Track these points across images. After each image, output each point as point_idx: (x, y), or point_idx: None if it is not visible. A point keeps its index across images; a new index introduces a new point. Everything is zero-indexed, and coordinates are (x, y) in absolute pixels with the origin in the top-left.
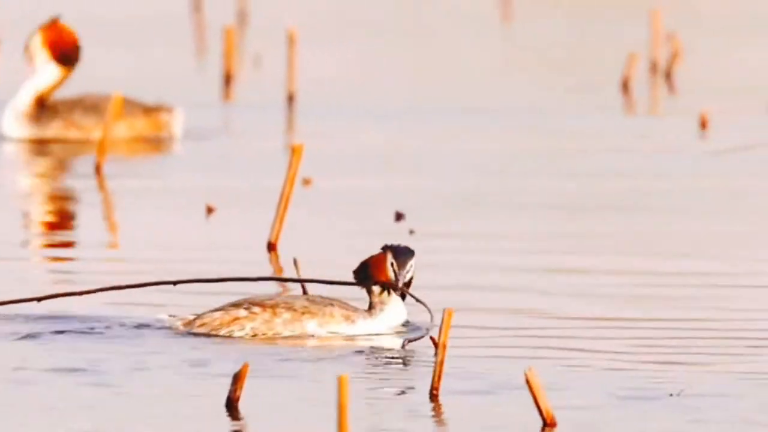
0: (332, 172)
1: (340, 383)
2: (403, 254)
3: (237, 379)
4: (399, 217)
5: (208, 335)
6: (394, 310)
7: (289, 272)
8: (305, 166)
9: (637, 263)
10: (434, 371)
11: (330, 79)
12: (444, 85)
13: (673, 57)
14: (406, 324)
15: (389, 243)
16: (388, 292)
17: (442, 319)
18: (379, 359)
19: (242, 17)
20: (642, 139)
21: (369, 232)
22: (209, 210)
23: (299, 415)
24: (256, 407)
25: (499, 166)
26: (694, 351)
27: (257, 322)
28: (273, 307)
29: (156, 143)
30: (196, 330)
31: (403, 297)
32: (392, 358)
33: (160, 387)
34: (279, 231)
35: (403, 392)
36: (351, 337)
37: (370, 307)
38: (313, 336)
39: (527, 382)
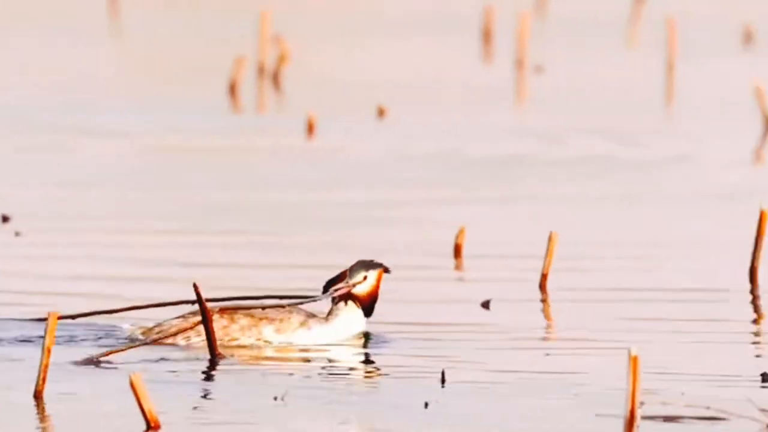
0: None
1: None
2: (357, 265)
3: None
4: (5, 219)
5: (163, 342)
6: (349, 319)
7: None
8: None
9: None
10: (38, 374)
11: None
12: (50, 84)
13: (281, 59)
14: (365, 334)
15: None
16: (345, 302)
17: (47, 323)
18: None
19: None
20: (248, 143)
21: None
22: None
23: None
24: None
25: (110, 170)
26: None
27: (214, 327)
28: (231, 313)
29: None
30: (154, 337)
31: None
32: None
33: None
34: None
35: (7, 394)
36: (306, 346)
37: (327, 315)
38: (270, 342)
39: (131, 385)
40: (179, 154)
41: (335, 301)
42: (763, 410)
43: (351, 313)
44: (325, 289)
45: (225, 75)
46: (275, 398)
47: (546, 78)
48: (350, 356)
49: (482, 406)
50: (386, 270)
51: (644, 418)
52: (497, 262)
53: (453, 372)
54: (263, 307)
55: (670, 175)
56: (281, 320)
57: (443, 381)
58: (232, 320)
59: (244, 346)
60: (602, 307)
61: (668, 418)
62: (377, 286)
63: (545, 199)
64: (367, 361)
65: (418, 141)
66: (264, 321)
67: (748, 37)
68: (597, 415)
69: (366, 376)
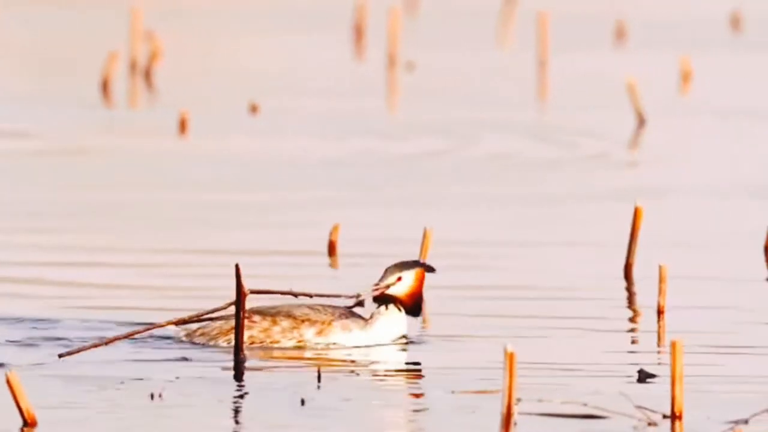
0: None
1: None
2: (393, 266)
3: None
4: None
5: (205, 345)
6: (388, 322)
7: None
8: None
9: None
10: None
11: None
12: None
13: (153, 55)
14: (404, 337)
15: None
16: (386, 306)
17: None
18: None
19: None
20: (120, 138)
21: None
22: None
23: None
24: None
25: None
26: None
27: (255, 330)
28: (273, 315)
29: None
30: (195, 339)
31: (381, 302)
32: None
33: None
34: None
35: None
36: (349, 347)
37: (369, 318)
38: (310, 344)
39: (8, 383)
40: (50, 149)
41: (378, 304)
42: (639, 407)
43: (390, 316)
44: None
45: (97, 70)
46: (151, 396)
47: (418, 74)
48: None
49: (358, 402)
50: (428, 269)
51: (521, 414)
52: (372, 259)
53: (329, 368)
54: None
55: (544, 171)
56: (323, 323)
57: (319, 378)
58: (274, 322)
59: (283, 348)
60: (479, 303)
61: (546, 415)
62: (418, 286)
63: (420, 196)
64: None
65: (291, 138)
66: (306, 323)
67: (620, 33)
68: (473, 411)
69: (251, 372)
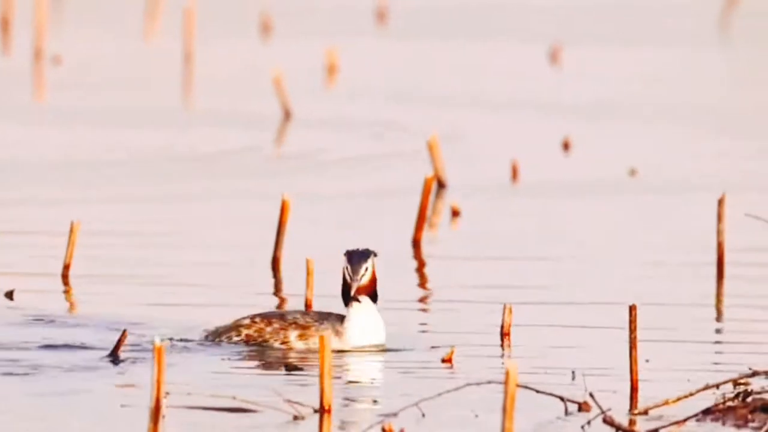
0: None
1: None
2: (356, 258)
3: None
4: None
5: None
6: (364, 323)
7: None
8: None
9: None
10: None
11: None
12: None
13: None
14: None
15: (349, 249)
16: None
17: None
18: None
19: None
20: None
21: None
22: None
23: None
24: None
25: None
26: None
27: (252, 330)
28: (269, 318)
29: None
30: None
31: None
32: None
33: None
34: None
35: None
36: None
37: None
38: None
39: None
40: None
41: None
42: (288, 401)
43: (366, 315)
44: (344, 297)
45: None
46: None
47: (64, 68)
48: None
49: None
50: (375, 254)
51: (171, 408)
52: (23, 253)
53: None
54: None
55: (190, 166)
56: (305, 327)
57: None
58: (269, 323)
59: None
60: (125, 295)
61: (195, 408)
62: (374, 272)
63: (70, 191)
64: None
65: None
66: (293, 326)
67: (265, 27)
68: (122, 405)
69: None
